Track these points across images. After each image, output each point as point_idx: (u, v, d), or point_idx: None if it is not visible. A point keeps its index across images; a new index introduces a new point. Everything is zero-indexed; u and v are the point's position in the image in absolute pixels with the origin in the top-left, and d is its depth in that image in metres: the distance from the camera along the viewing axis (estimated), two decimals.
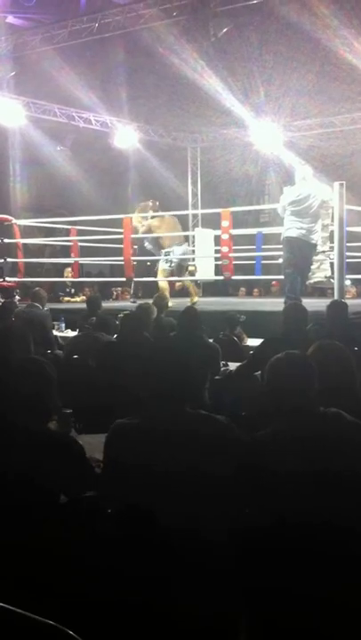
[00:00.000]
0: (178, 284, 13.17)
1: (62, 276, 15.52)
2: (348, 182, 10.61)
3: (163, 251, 12.44)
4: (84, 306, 10.23)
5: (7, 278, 13.66)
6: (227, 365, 7.02)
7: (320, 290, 12.09)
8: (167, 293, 12.11)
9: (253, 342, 8.26)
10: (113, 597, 2.73)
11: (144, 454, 3.02)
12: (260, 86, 13.92)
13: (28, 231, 15.69)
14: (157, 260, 12.68)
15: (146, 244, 12.97)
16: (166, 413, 3.11)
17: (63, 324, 10.54)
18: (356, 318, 8.98)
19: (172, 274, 12.39)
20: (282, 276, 10.57)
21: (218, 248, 12.12)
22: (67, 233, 14.27)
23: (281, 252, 10.48)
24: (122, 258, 12.71)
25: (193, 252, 13.66)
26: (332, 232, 10.49)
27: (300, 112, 15.76)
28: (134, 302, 11.97)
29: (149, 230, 12.61)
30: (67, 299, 15.13)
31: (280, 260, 10.54)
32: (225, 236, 11.62)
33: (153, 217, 12.81)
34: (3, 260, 13.62)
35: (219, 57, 12.82)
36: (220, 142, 18.56)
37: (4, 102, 14.82)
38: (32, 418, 3.25)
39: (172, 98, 15.15)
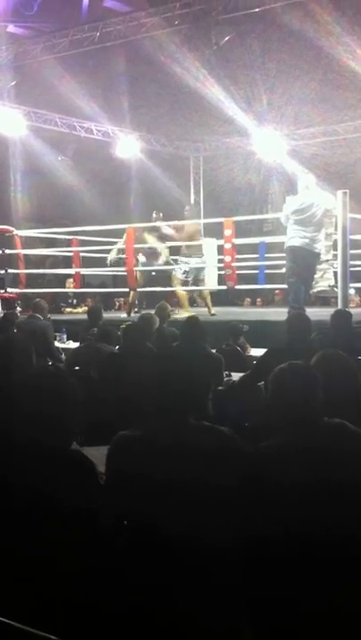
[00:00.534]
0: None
1: (64, 287, 15.46)
2: (352, 191, 10.55)
3: (179, 258, 12.36)
4: (85, 317, 10.15)
5: (8, 289, 13.59)
6: (230, 376, 6.95)
7: (324, 299, 12.01)
8: (186, 302, 12.07)
9: (257, 352, 8.17)
10: (119, 608, 2.73)
11: (147, 466, 2.98)
12: (262, 94, 13.89)
13: (30, 242, 15.64)
14: (163, 271, 12.61)
15: (140, 256, 12.92)
16: (169, 425, 3.07)
17: (65, 335, 10.48)
18: (360, 327, 8.91)
19: (185, 284, 12.33)
20: (285, 286, 10.50)
21: (221, 257, 12.05)
22: (68, 243, 14.21)
23: (284, 262, 10.41)
24: (124, 268, 12.65)
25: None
26: (335, 241, 10.42)
27: (304, 120, 15.72)
28: (137, 313, 11.92)
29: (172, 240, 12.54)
30: (68, 310, 15.06)
31: (283, 270, 10.47)
32: (228, 246, 11.56)
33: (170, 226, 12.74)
34: (4, 272, 13.56)
35: (221, 65, 12.80)
36: (223, 151, 18.52)
37: (5, 112, 14.80)
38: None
39: (174, 107, 15.13)
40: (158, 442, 3.04)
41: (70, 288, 14.90)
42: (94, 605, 2.76)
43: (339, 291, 10.08)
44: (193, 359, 4.23)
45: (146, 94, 14.55)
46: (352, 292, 12.43)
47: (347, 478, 2.82)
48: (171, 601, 2.72)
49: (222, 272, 11.97)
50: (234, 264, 11.61)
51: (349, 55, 11.45)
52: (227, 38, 11.92)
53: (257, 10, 11.25)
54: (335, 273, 10.52)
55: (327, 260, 10.89)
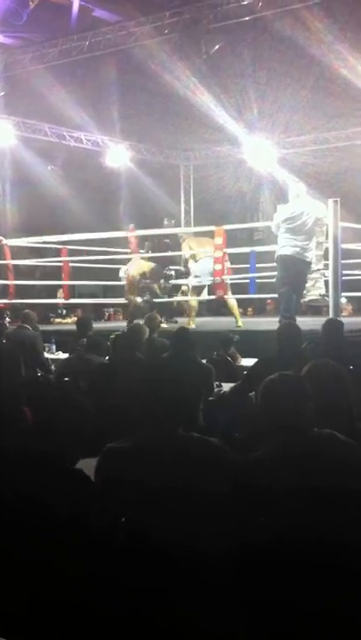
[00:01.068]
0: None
1: (54, 297, 15.38)
2: (343, 199, 10.51)
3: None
4: (75, 327, 10.09)
5: None
6: (220, 386, 6.90)
7: (315, 308, 11.96)
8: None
9: (248, 362, 8.12)
10: (114, 612, 2.74)
11: (135, 478, 2.98)
12: (253, 103, 13.87)
13: (19, 252, 15.54)
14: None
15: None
16: (159, 437, 3.09)
17: (54, 346, 10.42)
18: (351, 336, 8.88)
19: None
20: (276, 295, 10.46)
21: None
22: (58, 253, 14.13)
23: (275, 271, 10.36)
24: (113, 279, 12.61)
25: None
26: (326, 249, 10.38)
27: (294, 128, 15.71)
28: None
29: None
30: (58, 320, 14.98)
31: (274, 279, 10.42)
32: (218, 254, 11.50)
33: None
34: None
35: (211, 74, 12.77)
36: (213, 160, 18.49)
37: None
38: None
39: (164, 115, 15.09)
40: (147, 454, 3.03)
41: (60, 298, 14.81)
42: (88, 609, 2.77)
43: (330, 300, 10.03)
44: (183, 370, 4.21)
45: (136, 103, 14.51)
46: (344, 300, 12.38)
47: (336, 487, 2.81)
48: (166, 605, 2.72)
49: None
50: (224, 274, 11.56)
51: (341, 63, 11.43)
52: (217, 47, 11.88)
53: (247, 18, 11.22)
54: (326, 282, 10.48)
55: (318, 270, 10.85)
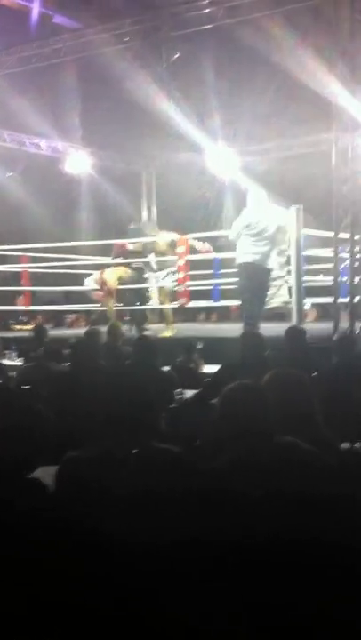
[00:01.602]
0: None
1: (14, 304, 15.23)
2: (307, 206, 10.53)
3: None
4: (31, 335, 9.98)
5: None
6: (182, 393, 6.86)
7: (280, 315, 11.96)
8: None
9: (211, 369, 8.09)
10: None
11: (96, 487, 3.00)
12: (215, 110, 13.88)
13: None
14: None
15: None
16: (119, 446, 3.10)
17: (14, 353, 10.30)
18: (315, 343, 8.88)
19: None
20: (239, 302, 10.45)
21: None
22: (17, 260, 14.00)
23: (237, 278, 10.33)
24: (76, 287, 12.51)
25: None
26: (289, 256, 10.39)
27: (257, 136, 15.71)
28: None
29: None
30: (18, 327, 14.85)
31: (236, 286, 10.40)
32: (181, 262, 11.46)
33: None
34: None
35: (173, 81, 12.79)
36: (176, 167, 18.44)
37: None
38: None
39: (126, 122, 15.05)
40: (107, 462, 3.06)
41: (20, 305, 14.68)
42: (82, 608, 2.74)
43: (293, 306, 10.04)
44: (144, 377, 4.18)
45: (97, 110, 14.47)
46: (308, 306, 12.39)
47: (298, 495, 2.80)
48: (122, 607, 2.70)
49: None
50: (187, 281, 11.52)
51: (302, 70, 11.42)
52: (177, 55, 11.87)
53: (207, 27, 11.18)
54: (290, 288, 10.48)
55: (282, 277, 10.86)
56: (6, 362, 9.53)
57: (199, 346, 9.17)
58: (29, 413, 3.44)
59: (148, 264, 12.19)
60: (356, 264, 10.04)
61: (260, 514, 2.76)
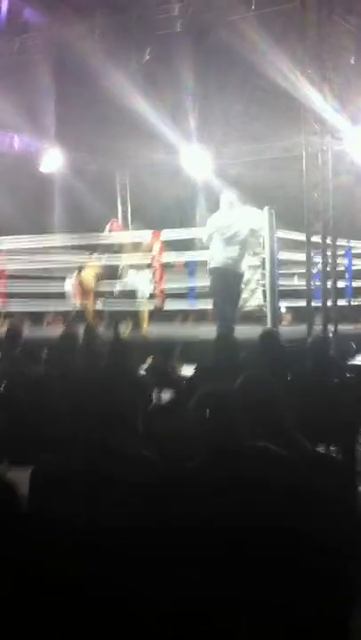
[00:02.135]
0: None
1: None
2: (280, 210, 10.56)
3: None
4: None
5: None
6: (159, 395, 6.87)
7: (256, 317, 12.00)
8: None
9: (189, 371, 8.12)
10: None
11: (67, 491, 3.05)
12: (189, 112, 13.85)
13: None
14: None
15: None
16: (91, 448, 3.20)
17: None
18: (290, 346, 8.93)
19: None
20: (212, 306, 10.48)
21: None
22: None
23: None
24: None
25: None
26: (263, 259, 10.42)
27: (231, 139, 15.72)
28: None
29: None
30: None
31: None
32: (155, 264, 11.48)
33: None
34: None
35: (147, 81, 12.72)
36: (150, 167, 18.41)
37: None
38: None
39: (99, 121, 14.96)
40: (78, 465, 3.13)
41: None
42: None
43: (268, 309, 10.07)
44: (120, 380, 4.20)
45: (71, 108, 14.37)
46: (283, 309, 12.46)
47: (268, 498, 2.85)
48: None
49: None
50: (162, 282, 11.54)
51: (276, 74, 11.46)
52: (148, 57, 11.83)
53: (179, 30, 11.19)
54: (264, 291, 10.51)
55: (256, 279, 10.90)
56: None
57: (177, 348, 9.19)
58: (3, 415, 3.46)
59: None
60: (328, 268, 10.10)
61: (221, 501, 2.82)
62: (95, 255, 12.72)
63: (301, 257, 10.65)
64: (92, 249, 12.94)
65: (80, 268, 12.80)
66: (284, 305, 11.55)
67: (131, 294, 12.15)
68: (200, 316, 16.15)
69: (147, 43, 11.74)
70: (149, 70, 12.36)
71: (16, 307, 15.02)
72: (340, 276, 11.68)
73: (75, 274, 12.70)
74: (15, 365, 7.42)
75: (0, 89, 13.07)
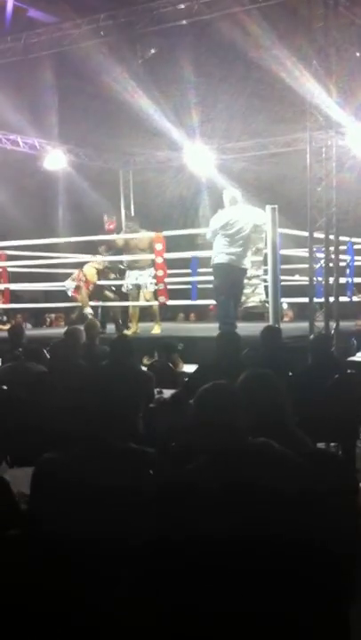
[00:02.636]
0: None
1: None
2: (283, 205, 10.53)
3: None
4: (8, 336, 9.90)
5: None
6: (161, 393, 6.88)
7: (258, 314, 11.99)
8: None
9: (190, 368, 8.12)
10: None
11: (69, 489, 3.01)
12: (192, 108, 13.84)
13: None
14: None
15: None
16: (92, 447, 3.12)
17: None
18: (291, 342, 8.92)
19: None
20: (215, 302, 10.47)
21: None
22: None
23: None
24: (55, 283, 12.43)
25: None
26: (265, 256, 10.41)
27: (234, 134, 15.70)
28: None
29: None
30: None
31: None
32: (159, 260, 11.46)
33: None
34: None
35: (150, 78, 12.73)
36: (153, 165, 18.39)
37: None
38: None
39: (103, 119, 14.99)
40: (81, 464, 3.06)
41: None
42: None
43: (270, 306, 10.05)
44: (120, 378, 4.19)
45: (74, 106, 14.40)
46: (285, 306, 12.43)
47: (271, 496, 2.80)
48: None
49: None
50: (166, 279, 11.51)
51: (279, 68, 11.41)
52: (152, 52, 11.81)
53: (184, 22, 11.15)
54: (266, 288, 10.50)
55: (258, 276, 10.88)
56: None
57: (181, 347, 9.19)
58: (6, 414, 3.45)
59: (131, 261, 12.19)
60: (331, 264, 10.07)
61: (221, 508, 2.78)
62: (101, 249, 12.69)
63: (304, 253, 10.62)
64: (94, 247, 12.93)
65: (82, 265, 12.79)
66: (285, 301, 11.53)
67: (132, 291, 12.15)
68: (202, 313, 16.19)
69: (151, 37, 11.70)
70: (153, 67, 12.34)
71: (17, 305, 15.05)
72: (342, 272, 11.65)
73: (76, 271, 12.68)
74: (16, 364, 7.41)
75: (4, 87, 13.08)
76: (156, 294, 11.74)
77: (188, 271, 13.22)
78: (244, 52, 11.30)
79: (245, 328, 9.14)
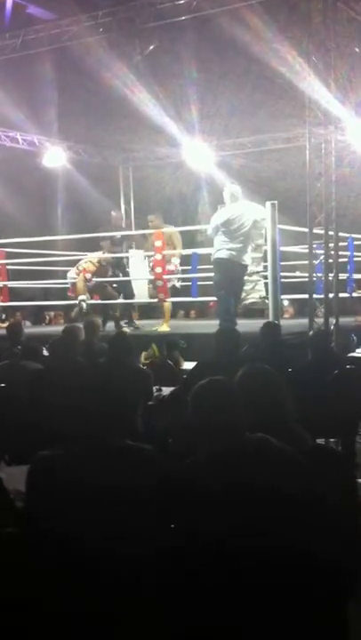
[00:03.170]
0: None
1: None
2: (282, 201, 10.51)
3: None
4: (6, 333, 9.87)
5: None
6: (160, 390, 6.87)
7: (258, 310, 11.96)
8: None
9: (190, 365, 8.10)
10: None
11: (65, 486, 2.99)
12: (191, 104, 13.78)
13: None
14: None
15: None
16: (90, 445, 3.09)
17: None
18: (291, 339, 8.90)
19: None
20: (215, 298, 10.46)
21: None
22: None
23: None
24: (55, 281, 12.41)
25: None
26: (265, 252, 10.39)
27: (233, 130, 15.66)
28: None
29: None
30: None
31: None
32: (158, 257, 11.43)
33: None
34: None
35: (149, 74, 12.63)
36: (153, 161, 18.38)
37: None
38: None
39: (102, 116, 14.93)
40: (78, 461, 3.04)
41: None
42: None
43: (270, 302, 10.04)
44: (119, 375, 4.15)
45: (73, 103, 14.30)
46: (286, 302, 12.39)
47: (269, 493, 2.80)
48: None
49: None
50: (165, 275, 11.49)
51: (280, 63, 11.36)
52: (151, 47, 11.75)
53: (183, 18, 11.10)
54: (266, 284, 10.49)
55: (258, 272, 10.87)
56: None
57: (183, 345, 9.18)
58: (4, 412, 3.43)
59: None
60: (330, 260, 10.04)
61: (220, 507, 2.77)
62: (104, 244, 12.63)
63: (303, 249, 10.60)
64: (94, 244, 12.90)
65: (82, 260, 12.76)
66: (286, 298, 11.51)
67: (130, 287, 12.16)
68: (202, 310, 16.18)
69: (151, 33, 11.64)
70: (152, 62, 12.27)
71: (16, 303, 15.03)
72: (342, 268, 11.63)
73: (77, 265, 12.65)
74: (14, 362, 7.39)
75: (3, 84, 13.02)
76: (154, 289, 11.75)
77: (188, 267, 13.19)
78: (243, 48, 11.21)
79: (245, 325, 9.13)
